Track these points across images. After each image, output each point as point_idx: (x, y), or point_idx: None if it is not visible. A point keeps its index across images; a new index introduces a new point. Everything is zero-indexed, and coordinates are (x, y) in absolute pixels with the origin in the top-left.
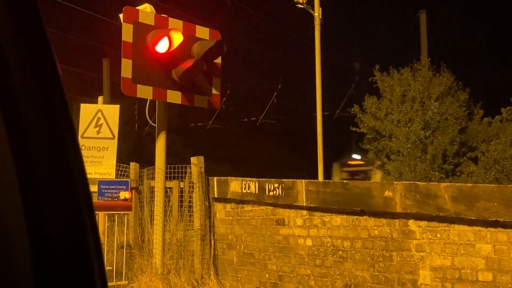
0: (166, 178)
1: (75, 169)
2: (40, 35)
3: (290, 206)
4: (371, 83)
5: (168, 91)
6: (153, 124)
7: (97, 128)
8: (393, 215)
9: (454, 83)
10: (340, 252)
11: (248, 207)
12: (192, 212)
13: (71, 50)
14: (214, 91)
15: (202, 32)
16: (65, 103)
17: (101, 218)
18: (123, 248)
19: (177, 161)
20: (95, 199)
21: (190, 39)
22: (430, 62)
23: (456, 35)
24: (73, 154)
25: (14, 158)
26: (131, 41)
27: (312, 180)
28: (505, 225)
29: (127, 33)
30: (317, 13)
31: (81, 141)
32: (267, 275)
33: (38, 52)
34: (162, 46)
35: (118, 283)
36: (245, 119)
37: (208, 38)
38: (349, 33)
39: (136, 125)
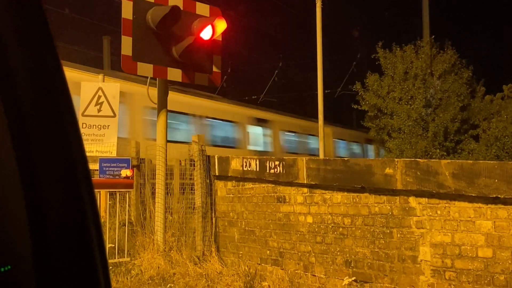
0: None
1: (74, 148)
2: (38, 14)
3: (291, 184)
4: (373, 61)
5: (169, 68)
6: (154, 103)
7: (98, 106)
8: (394, 192)
9: (457, 61)
10: (341, 229)
11: (249, 185)
12: (193, 190)
13: (70, 27)
14: (214, 69)
15: (203, 9)
16: (64, 82)
17: (103, 196)
18: (125, 225)
19: None
20: (96, 177)
21: (190, 16)
22: (434, 39)
23: (460, 11)
24: (72, 134)
25: (12, 139)
26: (131, 18)
27: (313, 158)
28: (505, 202)
29: (127, 10)
30: None
31: (82, 119)
32: (268, 252)
33: (35, 33)
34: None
35: (120, 260)
36: (246, 97)
37: (208, 15)
38: (351, 10)
39: None
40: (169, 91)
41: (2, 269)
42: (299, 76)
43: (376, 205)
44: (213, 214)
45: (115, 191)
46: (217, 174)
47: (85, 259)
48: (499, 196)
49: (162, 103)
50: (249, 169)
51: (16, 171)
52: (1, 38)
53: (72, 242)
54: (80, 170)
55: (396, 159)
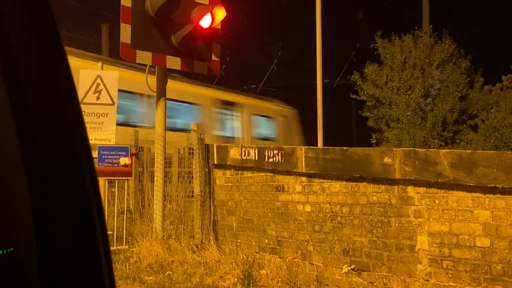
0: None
1: (77, 135)
2: (43, 4)
3: (289, 173)
4: (373, 50)
5: (168, 57)
6: (153, 91)
7: (97, 94)
8: (392, 182)
9: (455, 50)
10: (339, 218)
11: (247, 174)
12: (192, 179)
13: (68, 15)
14: (214, 57)
15: None
16: (67, 70)
17: (101, 183)
18: (123, 213)
19: None
20: (95, 165)
21: (189, 3)
22: (432, 29)
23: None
24: (75, 121)
25: (16, 125)
26: (130, 5)
27: (312, 147)
28: (503, 192)
29: None
30: None
31: (81, 107)
32: (266, 240)
33: (40, 21)
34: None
35: (119, 247)
36: (245, 86)
37: (207, 3)
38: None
39: None
40: None
41: (5, 251)
42: (298, 66)
43: (374, 194)
44: (211, 202)
45: (114, 179)
46: (215, 163)
47: (88, 243)
48: (497, 186)
49: (161, 92)
50: (248, 158)
51: (19, 156)
52: (7, 27)
53: (75, 226)
54: (83, 156)
55: (395, 149)
